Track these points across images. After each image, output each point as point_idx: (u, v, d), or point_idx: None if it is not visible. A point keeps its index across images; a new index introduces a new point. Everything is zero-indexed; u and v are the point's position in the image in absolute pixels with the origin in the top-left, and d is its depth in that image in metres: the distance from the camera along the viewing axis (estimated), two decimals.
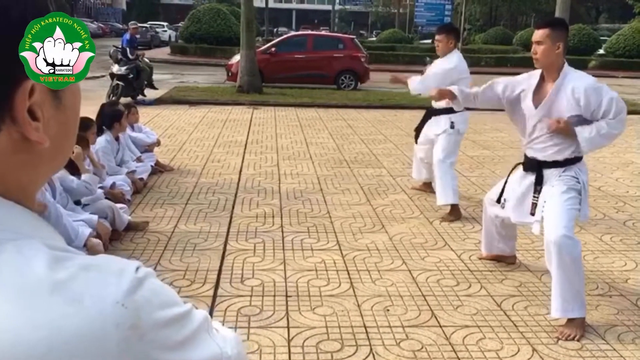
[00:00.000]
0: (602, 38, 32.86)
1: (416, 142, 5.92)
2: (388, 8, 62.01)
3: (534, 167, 3.64)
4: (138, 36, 13.78)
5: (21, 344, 0.50)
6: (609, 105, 3.38)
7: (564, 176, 3.51)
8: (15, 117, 0.56)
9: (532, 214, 3.62)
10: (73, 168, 4.51)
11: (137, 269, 0.58)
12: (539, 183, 3.60)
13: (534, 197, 3.61)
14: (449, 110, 5.23)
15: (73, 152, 4.43)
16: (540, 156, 3.61)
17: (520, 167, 3.82)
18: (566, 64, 3.50)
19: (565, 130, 3.46)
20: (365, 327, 3.34)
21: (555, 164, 3.55)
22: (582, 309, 3.37)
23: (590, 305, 3.63)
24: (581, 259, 3.39)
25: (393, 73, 6.16)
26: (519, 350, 3.16)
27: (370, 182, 6.60)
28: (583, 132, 3.41)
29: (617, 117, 3.40)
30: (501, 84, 3.80)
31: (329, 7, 55.73)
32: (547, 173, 3.58)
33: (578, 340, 3.27)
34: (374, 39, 44.25)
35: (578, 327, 3.32)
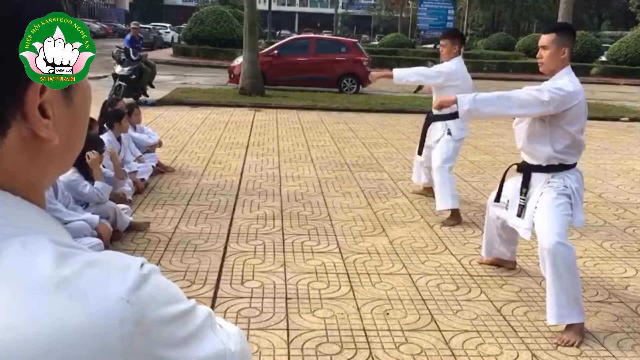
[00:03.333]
0: (604, 45, 32.84)
1: (419, 154, 5.91)
2: (391, 12, 62.08)
3: (524, 169, 3.68)
4: (142, 36, 13.69)
5: (25, 342, 0.50)
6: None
7: (552, 182, 3.52)
8: (26, 114, 0.57)
9: (519, 215, 3.65)
10: (88, 173, 4.53)
11: (142, 265, 0.58)
12: (525, 185, 3.62)
13: (521, 199, 3.64)
14: (446, 117, 5.32)
15: (89, 158, 4.45)
16: (527, 159, 3.66)
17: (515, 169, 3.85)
18: (564, 69, 3.46)
19: (445, 102, 3.68)
20: (364, 330, 3.34)
21: (540, 169, 3.58)
22: (581, 315, 3.37)
23: (590, 312, 3.63)
24: (576, 264, 3.39)
25: (372, 73, 6.21)
26: (518, 356, 3.15)
27: (371, 186, 6.61)
28: (465, 96, 3.54)
29: (534, 91, 3.38)
30: None
31: (332, 11, 55.80)
32: (535, 177, 3.61)
33: (577, 347, 3.26)
34: (377, 42, 44.31)
35: (577, 333, 3.32)
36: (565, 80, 3.40)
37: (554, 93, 3.33)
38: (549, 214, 3.42)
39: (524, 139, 3.60)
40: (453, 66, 5.35)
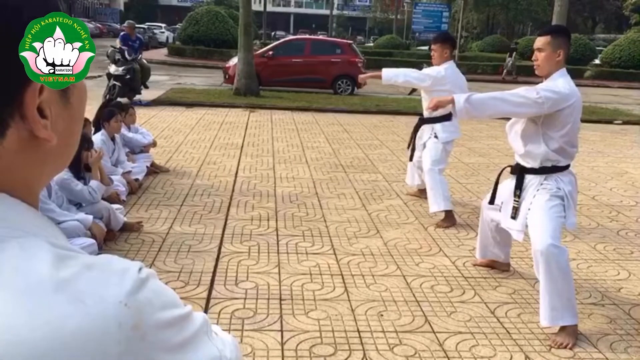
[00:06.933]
0: (598, 48, 33.02)
1: (410, 160, 5.94)
2: (386, 14, 62.16)
3: (517, 171, 3.69)
4: (140, 37, 13.52)
5: (22, 343, 0.50)
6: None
7: (545, 184, 3.54)
8: (25, 115, 0.57)
9: (513, 217, 3.65)
10: (78, 171, 4.52)
11: (140, 269, 0.58)
12: (518, 187, 3.64)
13: (515, 201, 3.65)
14: (433, 120, 5.36)
15: (92, 155, 4.51)
16: (521, 161, 3.67)
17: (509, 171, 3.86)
18: (559, 72, 3.47)
19: (441, 102, 3.64)
20: (358, 331, 3.34)
21: (533, 171, 3.59)
22: (574, 317, 3.38)
23: (583, 314, 3.65)
24: (569, 267, 3.40)
25: (360, 76, 6.20)
26: (511, 358, 3.16)
27: (365, 187, 6.61)
28: (461, 96, 3.52)
29: (526, 91, 3.40)
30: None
31: (327, 12, 55.83)
32: (528, 179, 3.62)
33: (570, 349, 3.27)
34: (372, 44, 44.36)
35: (570, 335, 3.33)
36: (560, 82, 3.42)
37: (548, 93, 3.35)
38: (542, 216, 3.43)
39: (517, 140, 3.62)
40: (442, 71, 5.32)
